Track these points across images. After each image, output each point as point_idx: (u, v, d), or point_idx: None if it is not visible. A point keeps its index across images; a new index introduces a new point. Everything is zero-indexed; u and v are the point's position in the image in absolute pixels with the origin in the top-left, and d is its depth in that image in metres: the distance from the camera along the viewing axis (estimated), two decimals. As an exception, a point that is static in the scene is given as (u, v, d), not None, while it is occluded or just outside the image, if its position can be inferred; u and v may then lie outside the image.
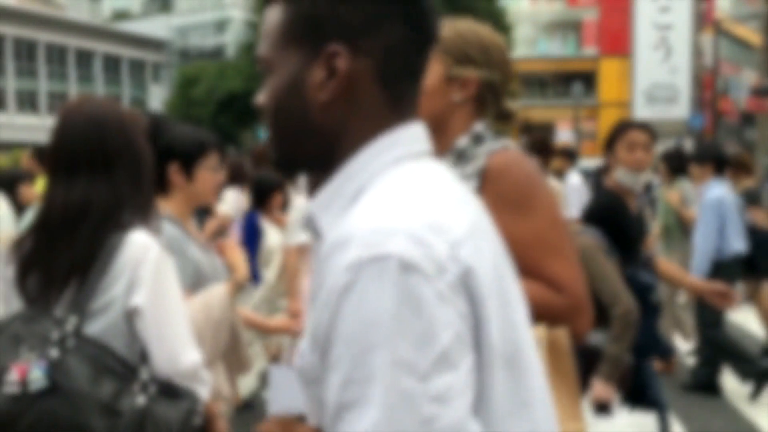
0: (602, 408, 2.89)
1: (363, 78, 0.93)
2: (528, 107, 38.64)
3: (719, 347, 5.28)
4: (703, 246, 5.17)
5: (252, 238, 4.62)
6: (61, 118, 1.74)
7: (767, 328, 6.42)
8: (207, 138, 2.37)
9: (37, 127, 33.73)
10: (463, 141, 1.72)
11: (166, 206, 2.29)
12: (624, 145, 3.20)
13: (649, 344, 3.12)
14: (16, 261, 1.69)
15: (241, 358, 2.44)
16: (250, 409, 4.67)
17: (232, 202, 5.21)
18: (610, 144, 3.28)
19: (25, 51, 37.60)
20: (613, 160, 3.26)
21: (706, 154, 5.55)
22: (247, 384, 4.58)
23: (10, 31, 35.36)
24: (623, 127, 3.29)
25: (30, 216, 2.41)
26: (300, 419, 1.06)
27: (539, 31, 41.22)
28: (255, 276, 4.38)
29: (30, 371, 1.48)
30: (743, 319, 7.11)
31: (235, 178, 5.24)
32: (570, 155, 7.75)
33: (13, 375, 1.49)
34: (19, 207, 4.05)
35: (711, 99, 30.26)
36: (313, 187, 0.98)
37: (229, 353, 2.37)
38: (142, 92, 45.36)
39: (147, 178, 1.77)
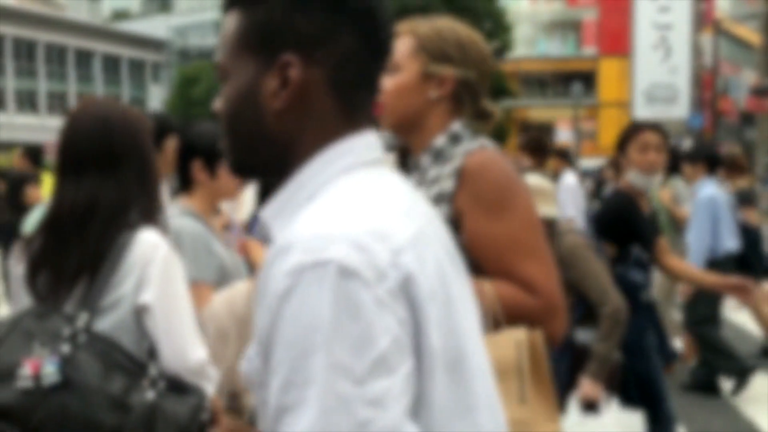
0: (590, 406, 2.89)
1: (316, 88, 0.94)
2: (528, 107, 38.69)
3: (708, 344, 5.32)
4: (697, 244, 5.20)
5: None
6: (69, 118, 1.77)
7: (761, 327, 6.48)
8: None
9: (37, 126, 33.77)
10: (440, 140, 1.71)
11: (189, 203, 2.32)
12: (636, 146, 3.19)
13: (642, 344, 3.13)
14: (25, 260, 1.72)
15: None
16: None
17: (249, 202, 5.22)
18: (623, 145, 3.25)
19: (25, 51, 37.60)
20: (626, 162, 3.24)
21: (698, 153, 5.59)
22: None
23: (10, 30, 35.36)
24: (636, 128, 3.27)
25: (35, 215, 2.44)
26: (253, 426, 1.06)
27: (539, 31, 41.23)
28: None
29: (43, 366, 1.51)
30: (743, 319, 7.13)
31: None
32: (565, 155, 7.76)
33: (27, 370, 1.52)
34: (23, 207, 4.09)
35: (711, 99, 30.30)
36: (263, 193, 1.00)
37: None
38: (142, 92, 45.36)
39: (152, 178, 1.79)
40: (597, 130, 37.04)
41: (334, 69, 0.95)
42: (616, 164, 11.55)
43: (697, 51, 25.95)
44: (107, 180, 1.71)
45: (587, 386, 2.88)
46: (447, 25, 1.76)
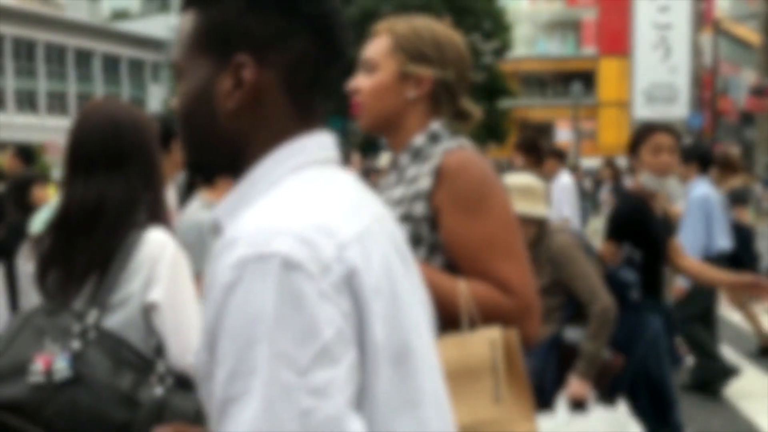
0: (578, 405, 2.90)
1: (269, 89, 0.96)
2: (527, 107, 38.71)
3: (694, 342, 5.35)
4: (691, 242, 5.22)
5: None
6: (78, 118, 1.80)
7: (752, 326, 6.52)
8: None
9: (36, 126, 33.75)
10: (419, 139, 1.71)
11: (211, 196, 2.37)
12: (649, 148, 3.15)
13: (639, 345, 3.15)
14: (35, 258, 1.75)
15: None
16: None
17: None
18: (635, 147, 3.22)
19: (24, 50, 37.59)
20: (638, 164, 3.21)
21: (691, 152, 5.61)
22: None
23: (9, 30, 35.35)
24: (648, 129, 3.24)
25: (42, 215, 2.47)
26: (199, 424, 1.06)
27: (538, 30, 41.28)
28: None
29: (54, 362, 1.54)
30: (740, 318, 7.14)
31: None
32: (560, 155, 7.76)
33: (38, 365, 1.54)
34: (30, 207, 4.11)
35: (710, 98, 30.32)
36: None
37: None
38: (142, 92, 45.36)
39: (158, 178, 1.82)
40: (597, 129, 37.09)
41: (287, 71, 0.97)
42: (612, 164, 11.59)
43: (696, 51, 25.98)
44: (115, 179, 1.73)
45: (575, 385, 2.89)
46: (424, 25, 1.75)
